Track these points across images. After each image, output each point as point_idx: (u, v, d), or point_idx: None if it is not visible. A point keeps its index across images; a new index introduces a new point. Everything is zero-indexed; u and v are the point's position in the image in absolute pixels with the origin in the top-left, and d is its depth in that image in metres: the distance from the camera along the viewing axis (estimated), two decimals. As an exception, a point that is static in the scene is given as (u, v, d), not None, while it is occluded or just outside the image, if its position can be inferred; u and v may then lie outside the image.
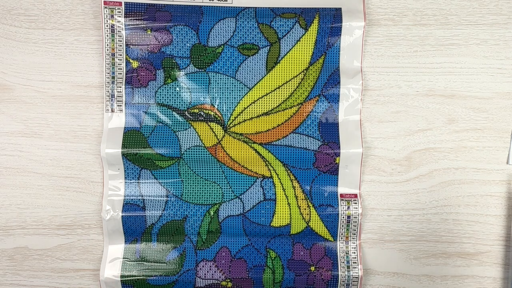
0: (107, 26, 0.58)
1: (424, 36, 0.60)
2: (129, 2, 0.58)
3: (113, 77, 0.59)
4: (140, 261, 0.58)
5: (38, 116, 0.60)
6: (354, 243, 0.59)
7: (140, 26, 0.59)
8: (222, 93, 0.59)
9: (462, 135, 0.60)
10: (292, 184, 0.59)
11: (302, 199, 0.58)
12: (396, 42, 0.60)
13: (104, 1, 0.58)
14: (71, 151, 0.60)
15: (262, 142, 0.59)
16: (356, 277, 0.58)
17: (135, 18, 0.58)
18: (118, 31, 0.59)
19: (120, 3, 0.58)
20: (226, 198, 0.59)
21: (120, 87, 0.59)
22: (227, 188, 0.59)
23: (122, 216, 0.58)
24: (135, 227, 0.58)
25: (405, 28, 0.60)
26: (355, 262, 0.58)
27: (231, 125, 0.59)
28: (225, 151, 0.59)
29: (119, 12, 0.58)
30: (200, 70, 0.59)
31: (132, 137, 0.59)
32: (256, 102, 0.59)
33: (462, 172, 0.60)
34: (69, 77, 0.60)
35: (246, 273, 0.58)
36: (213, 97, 0.59)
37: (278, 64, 0.59)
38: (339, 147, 0.58)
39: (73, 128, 0.60)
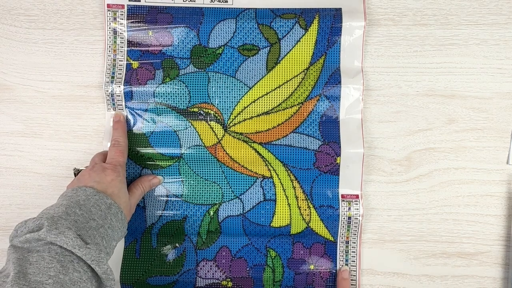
0: (109, 28, 0.59)
1: (424, 36, 0.60)
2: (132, 5, 0.59)
3: (112, 77, 0.59)
4: (140, 261, 0.58)
5: (38, 116, 0.60)
6: (354, 243, 0.59)
7: (141, 28, 0.59)
8: (222, 92, 0.59)
9: (462, 135, 0.60)
10: (293, 184, 0.59)
11: (303, 199, 0.58)
12: (396, 42, 0.60)
13: (107, 4, 0.58)
14: (71, 151, 0.60)
15: (262, 141, 0.59)
16: (354, 275, 0.58)
17: (137, 20, 0.59)
18: (120, 33, 0.59)
19: (122, 6, 0.59)
20: (226, 198, 0.59)
21: (120, 86, 0.59)
22: (227, 188, 0.59)
23: (122, 216, 0.58)
24: (135, 227, 0.58)
25: (405, 28, 0.60)
26: (354, 261, 0.58)
27: (231, 124, 0.59)
28: (225, 150, 0.59)
29: (122, 14, 0.59)
30: (200, 70, 0.59)
31: (133, 136, 0.59)
32: (256, 101, 0.59)
33: (462, 172, 0.60)
34: (69, 77, 0.60)
35: (246, 272, 0.58)
36: (212, 96, 0.59)
37: (279, 64, 0.59)
38: (340, 147, 0.58)
39: (73, 128, 0.60)
